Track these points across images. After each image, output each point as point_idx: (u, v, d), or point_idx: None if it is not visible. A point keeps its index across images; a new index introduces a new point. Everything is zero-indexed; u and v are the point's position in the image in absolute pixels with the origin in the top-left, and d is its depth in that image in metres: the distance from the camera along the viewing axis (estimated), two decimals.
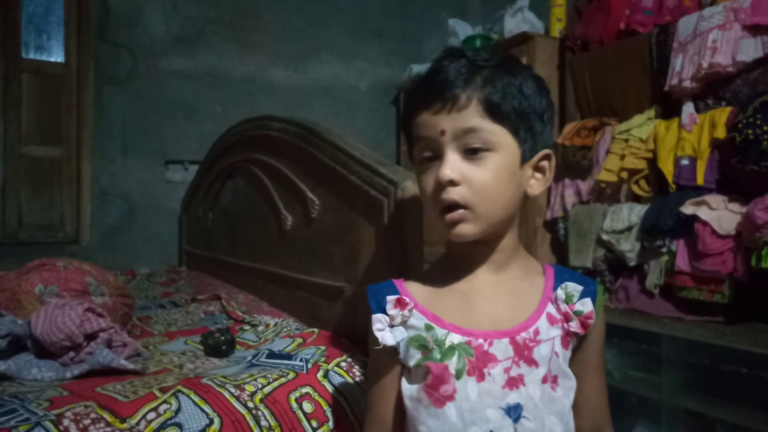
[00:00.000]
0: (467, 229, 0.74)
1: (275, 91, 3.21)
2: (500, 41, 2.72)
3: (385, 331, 0.77)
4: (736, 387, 1.65)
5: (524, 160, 0.75)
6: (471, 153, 0.72)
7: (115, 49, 2.82)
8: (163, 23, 2.93)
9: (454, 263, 0.81)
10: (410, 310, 0.77)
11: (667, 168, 1.86)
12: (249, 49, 3.14)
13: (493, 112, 0.72)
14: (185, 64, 2.98)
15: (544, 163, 0.78)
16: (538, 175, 0.78)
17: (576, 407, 0.78)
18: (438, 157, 0.75)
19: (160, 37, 2.92)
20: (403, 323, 0.77)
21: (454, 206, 0.73)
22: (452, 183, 0.72)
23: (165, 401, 0.90)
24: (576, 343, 0.79)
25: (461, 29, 3.06)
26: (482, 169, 0.72)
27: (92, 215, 2.80)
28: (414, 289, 0.80)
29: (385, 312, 0.77)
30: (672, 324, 1.80)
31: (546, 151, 0.77)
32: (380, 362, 0.81)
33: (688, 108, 1.84)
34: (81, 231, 2.83)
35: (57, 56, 2.91)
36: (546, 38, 2.55)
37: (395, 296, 0.77)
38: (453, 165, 0.72)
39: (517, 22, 2.69)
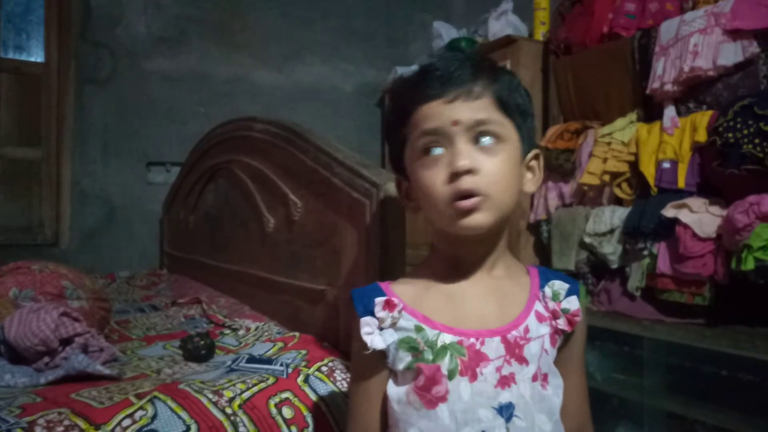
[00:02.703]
0: (482, 219, 0.72)
1: (259, 93, 3.19)
2: (484, 44, 2.72)
3: (374, 335, 0.74)
4: (717, 389, 1.66)
5: (523, 156, 0.77)
6: (482, 143, 0.72)
7: (96, 50, 2.78)
8: (145, 23, 2.90)
9: (442, 263, 0.80)
10: (399, 312, 0.75)
11: (649, 171, 1.87)
12: (233, 49, 3.12)
13: (503, 105, 0.74)
14: (167, 64, 2.95)
15: (534, 162, 0.80)
16: (528, 174, 0.80)
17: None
18: (445, 147, 0.73)
19: (142, 37, 2.89)
20: (393, 325, 0.75)
21: (468, 195, 0.71)
22: (470, 172, 0.71)
23: (141, 407, 0.89)
24: (561, 341, 0.80)
25: (446, 32, 3.06)
26: (494, 159, 0.72)
27: (72, 217, 2.76)
28: (401, 291, 0.78)
29: (373, 315, 0.75)
30: (653, 326, 1.81)
31: (536, 150, 0.80)
32: (366, 367, 0.78)
33: (670, 111, 1.85)
34: (60, 233, 2.79)
35: (37, 56, 2.87)
36: (530, 41, 2.55)
37: (383, 298, 0.76)
38: (467, 154, 0.71)
39: (501, 25, 2.69)
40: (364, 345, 0.74)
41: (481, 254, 0.79)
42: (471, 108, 0.72)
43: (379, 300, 0.75)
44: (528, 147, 0.78)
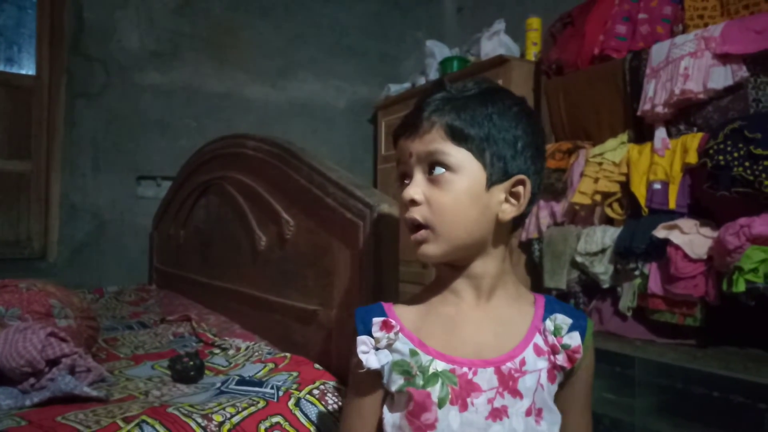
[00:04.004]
0: (429, 250, 0.75)
1: (252, 108, 3.19)
2: (477, 63, 2.74)
3: (369, 354, 0.75)
4: (708, 410, 1.66)
5: (490, 183, 0.75)
6: (434, 175, 0.75)
7: (89, 63, 2.77)
8: (139, 38, 2.90)
9: (442, 287, 0.80)
10: (396, 334, 0.75)
11: (640, 192, 1.88)
12: (226, 65, 3.12)
13: (455, 135, 0.74)
14: (160, 78, 2.94)
15: (519, 188, 0.77)
16: (512, 200, 0.77)
17: None
18: (410, 178, 0.78)
19: (134, 51, 2.88)
20: (388, 346, 0.75)
21: (418, 226, 0.75)
22: (413, 202, 0.75)
23: None
24: (563, 378, 0.78)
25: (438, 50, 3.08)
26: (442, 191, 0.74)
27: (60, 231, 2.73)
28: (402, 313, 0.79)
29: (370, 334, 0.76)
30: (645, 346, 1.80)
31: (519, 176, 0.76)
32: (362, 385, 0.79)
33: (661, 133, 1.87)
34: (48, 247, 2.76)
35: (28, 69, 2.86)
36: (522, 61, 2.58)
37: (381, 318, 0.76)
38: (417, 186, 0.76)
39: (493, 45, 2.71)
40: (360, 363, 0.75)
41: (467, 280, 0.79)
42: (422, 142, 0.76)
43: (377, 320, 0.76)
44: (502, 172, 0.75)
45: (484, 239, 0.77)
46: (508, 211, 0.77)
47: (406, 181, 0.78)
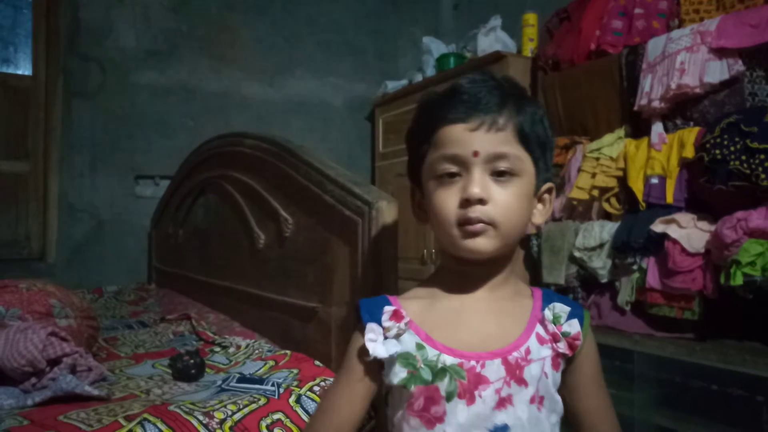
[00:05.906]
0: (485, 245, 0.73)
1: (249, 106, 3.19)
2: (473, 60, 2.74)
3: (377, 343, 0.75)
4: (707, 403, 1.67)
5: (536, 189, 0.78)
6: (498, 175, 0.73)
7: (85, 63, 2.77)
8: (135, 37, 2.89)
9: (447, 280, 0.81)
10: (406, 324, 0.76)
11: (637, 186, 1.88)
12: (223, 63, 3.12)
13: (524, 138, 0.74)
14: (157, 77, 2.94)
15: (546, 195, 0.80)
16: (539, 205, 0.80)
17: (578, 428, 0.82)
18: (461, 173, 0.74)
19: (131, 50, 2.88)
20: (397, 337, 0.75)
21: (476, 221, 0.73)
22: (481, 201, 0.72)
23: (130, 430, 0.87)
24: (565, 365, 0.80)
25: (435, 47, 3.08)
26: (507, 191, 0.73)
27: (59, 231, 2.73)
28: (407, 305, 0.79)
29: (379, 323, 0.76)
30: (643, 341, 1.81)
31: (550, 183, 0.80)
32: (359, 373, 0.78)
33: (657, 128, 1.87)
34: (47, 248, 2.76)
35: (24, 69, 2.86)
36: (518, 57, 2.58)
37: (392, 308, 0.77)
38: (482, 184, 0.72)
39: (490, 41, 2.71)
40: (366, 351, 0.75)
41: (482, 275, 0.79)
42: (492, 140, 0.73)
43: (388, 309, 0.77)
44: (543, 179, 0.78)
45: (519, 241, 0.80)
46: (538, 215, 0.80)
47: (449, 172, 0.74)
